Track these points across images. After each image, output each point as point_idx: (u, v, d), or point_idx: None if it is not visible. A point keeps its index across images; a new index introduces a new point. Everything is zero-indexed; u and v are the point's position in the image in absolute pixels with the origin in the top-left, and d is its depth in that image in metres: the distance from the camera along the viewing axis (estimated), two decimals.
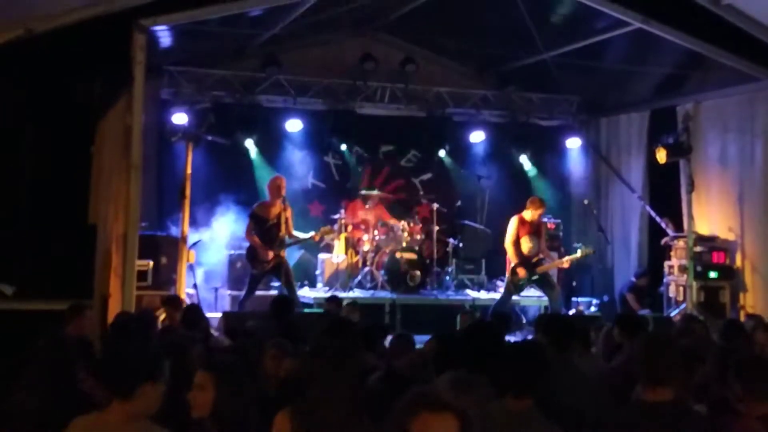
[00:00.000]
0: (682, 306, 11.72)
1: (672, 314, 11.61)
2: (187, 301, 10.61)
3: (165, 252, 11.12)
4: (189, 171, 11.18)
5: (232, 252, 12.34)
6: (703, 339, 6.62)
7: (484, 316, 9.92)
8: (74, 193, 9.65)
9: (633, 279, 13.19)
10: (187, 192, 11.13)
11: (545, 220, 12.63)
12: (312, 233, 11.36)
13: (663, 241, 12.83)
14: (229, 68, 13.26)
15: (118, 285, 9.26)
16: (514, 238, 11.03)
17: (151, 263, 10.83)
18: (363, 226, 13.22)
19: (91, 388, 4.78)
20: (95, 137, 9.81)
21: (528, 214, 11.09)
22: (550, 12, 11.81)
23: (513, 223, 11.11)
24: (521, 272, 10.98)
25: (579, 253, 11.39)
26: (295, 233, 11.25)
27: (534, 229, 11.13)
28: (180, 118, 11.71)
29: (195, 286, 11.43)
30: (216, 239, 12.40)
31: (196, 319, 7.74)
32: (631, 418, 4.05)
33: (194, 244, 11.53)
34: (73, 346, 5.12)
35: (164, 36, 10.85)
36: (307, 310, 10.77)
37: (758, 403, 4.26)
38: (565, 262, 11.65)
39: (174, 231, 11.36)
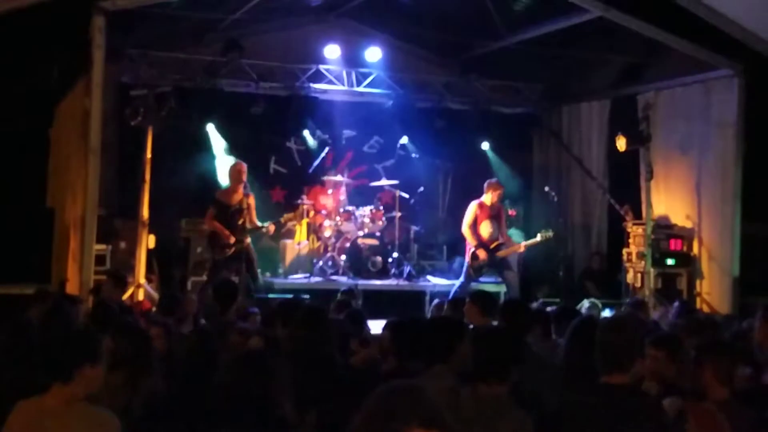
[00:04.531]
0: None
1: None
2: (146, 286, 10.54)
3: (124, 236, 11.03)
4: (149, 155, 11.08)
5: (192, 236, 12.24)
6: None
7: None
8: (32, 176, 9.55)
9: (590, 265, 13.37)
10: (147, 176, 11.04)
11: (506, 206, 12.68)
12: (268, 223, 11.12)
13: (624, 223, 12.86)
14: (191, 52, 13.12)
15: (75, 269, 9.20)
16: (471, 221, 11.05)
17: (110, 247, 10.75)
18: (325, 212, 13.20)
19: None
20: (53, 120, 9.72)
21: (487, 198, 11.12)
22: None
23: (471, 207, 11.13)
24: (481, 254, 11.00)
25: (538, 237, 11.40)
26: (257, 222, 11.14)
27: (494, 213, 11.16)
28: (140, 102, 11.52)
29: (154, 270, 11.34)
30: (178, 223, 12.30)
31: (172, 306, 7.65)
32: (588, 402, 4.04)
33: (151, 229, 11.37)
34: (34, 331, 5.08)
35: (124, 18, 10.73)
36: (271, 296, 10.73)
37: (718, 387, 4.34)
38: (522, 246, 11.66)
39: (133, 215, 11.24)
